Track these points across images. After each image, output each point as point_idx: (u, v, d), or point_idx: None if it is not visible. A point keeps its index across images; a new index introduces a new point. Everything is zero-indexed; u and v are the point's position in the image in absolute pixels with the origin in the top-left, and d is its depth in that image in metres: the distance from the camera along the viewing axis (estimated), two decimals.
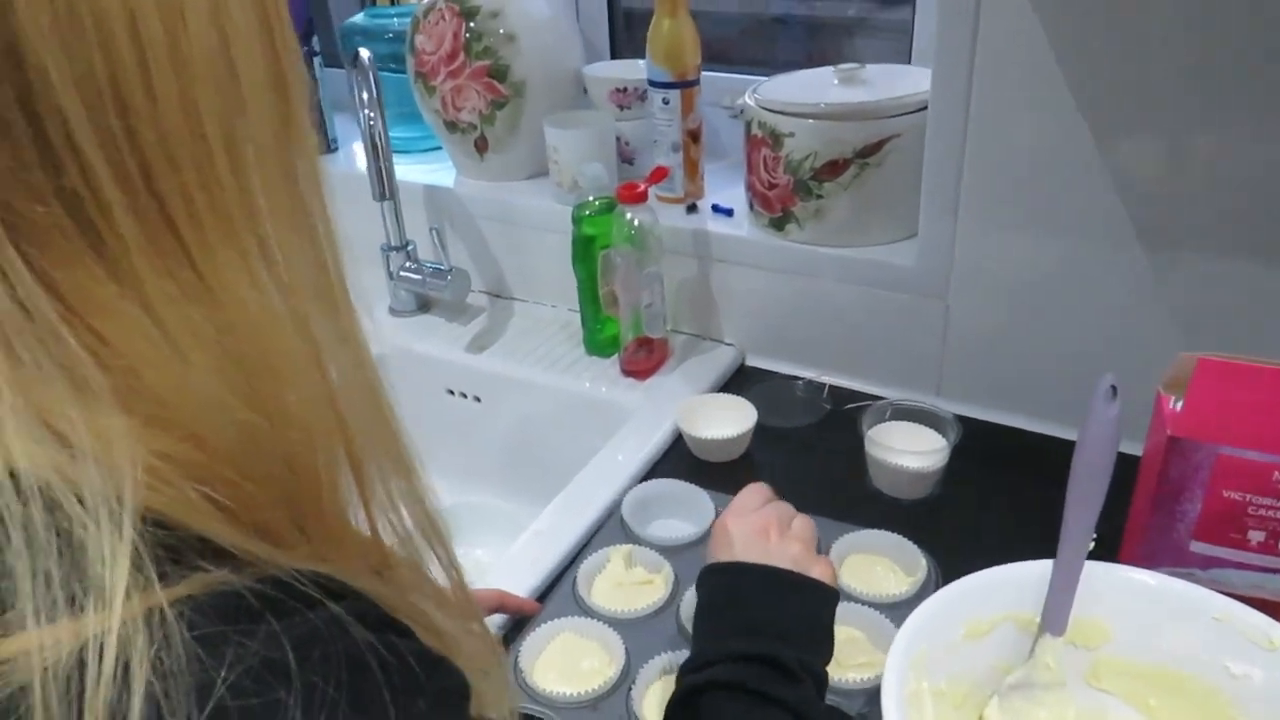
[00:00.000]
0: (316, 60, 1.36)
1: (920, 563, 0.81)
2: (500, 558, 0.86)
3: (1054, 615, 0.61)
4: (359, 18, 1.38)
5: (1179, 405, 0.65)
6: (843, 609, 0.76)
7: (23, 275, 0.30)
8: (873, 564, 0.83)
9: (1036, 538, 0.82)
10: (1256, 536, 0.65)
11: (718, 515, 0.86)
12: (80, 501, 0.29)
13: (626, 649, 0.75)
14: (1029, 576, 0.63)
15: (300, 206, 0.37)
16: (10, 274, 0.30)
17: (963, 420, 0.93)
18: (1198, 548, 0.67)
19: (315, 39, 1.36)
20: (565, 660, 0.75)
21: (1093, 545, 0.62)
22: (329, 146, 1.41)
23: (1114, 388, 0.59)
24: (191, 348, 0.33)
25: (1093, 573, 0.62)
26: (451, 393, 1.21)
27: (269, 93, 0.35)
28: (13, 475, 0.29)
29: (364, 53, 1.09)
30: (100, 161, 0.30)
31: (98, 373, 0.31)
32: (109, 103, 0.30)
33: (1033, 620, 0.62)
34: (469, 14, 1.16)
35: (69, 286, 0.31)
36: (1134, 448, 0.71)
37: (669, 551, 0.85)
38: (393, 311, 1.29)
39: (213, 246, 0.33)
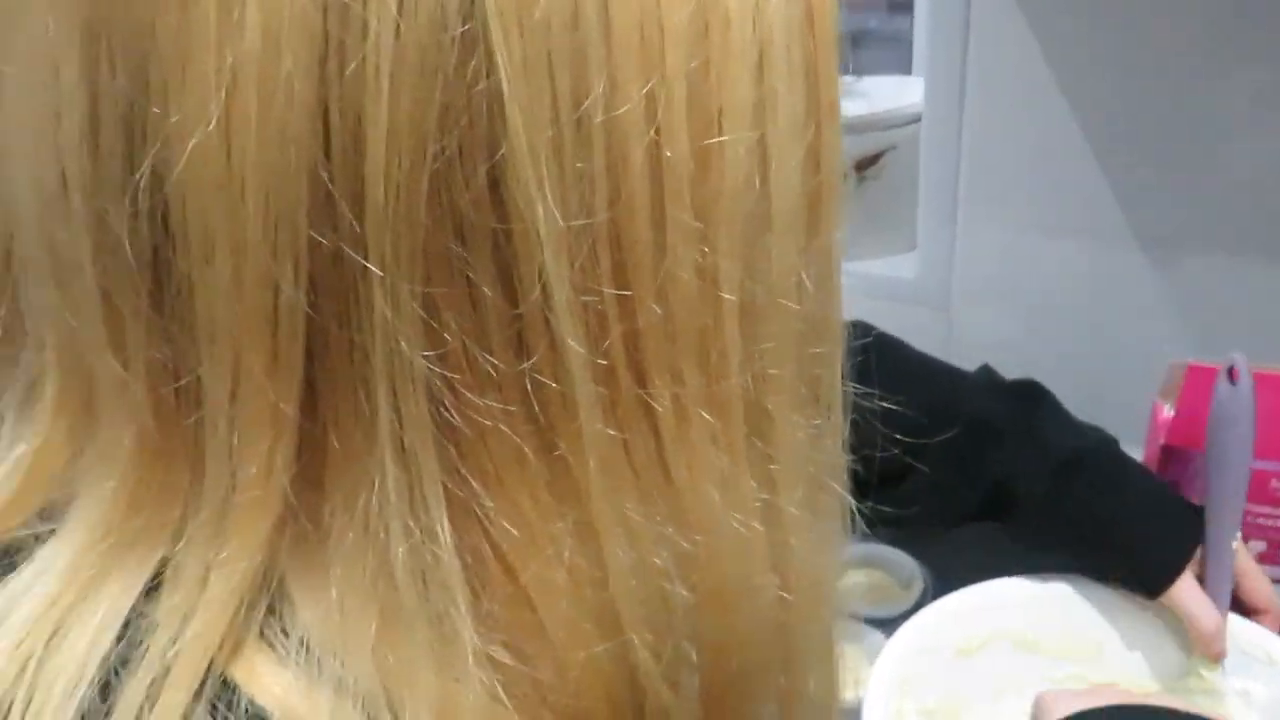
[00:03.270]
0: None
1: (916, 577, 0.79)
2: None
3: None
4: None
5: (1171, 413, 0.64)
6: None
7: (443, 524, 0.23)
8: (870, 578, 0.82)
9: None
10: (1257, 547, 0.63)
11: None
12: None
13: None
14: (1021, 592, 0.62)
15: (815, 382, 0.29)
16: (433, 520, 0.23)
17: None
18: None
19: None
20: None
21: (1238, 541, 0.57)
22: None
23: (1231, 369, 0.54)
24: (625, 604, 0.25)
25: (1084, 592, 0.60)
26: None
27: (799, 221, 0.27)
28: None
29: None
30: (580, 338, 0.23)
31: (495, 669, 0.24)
32: (601, 258, 0.23)
33: (1026, 635, 0.61)
34: None
35: (502, 528, 0.24)
36: (1135, 455, 0.70)
37: None
38: None
39: (695, 453, 0.25)
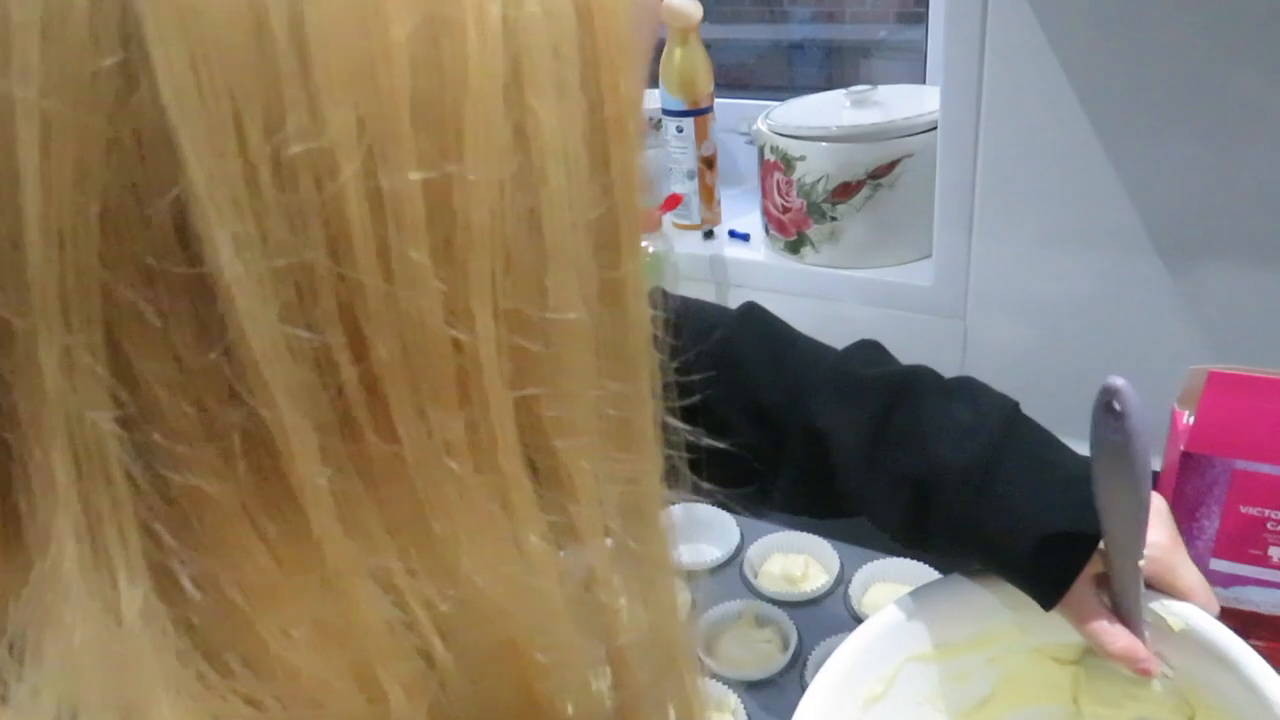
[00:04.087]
0: None
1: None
2: None
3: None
4: None
5: (1191, 420, 0.64)
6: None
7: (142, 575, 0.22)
8: (899, 594, 0.82)
9: None
10: (1278, 554, 0.63)
11: (743, 539, 0.86)
12: None
13: None
14: (893, 619, 0.55)
15: (616, 422, 0.27)
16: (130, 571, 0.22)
17: None
18: (1218, 565, 0.65)
19: None
20: None
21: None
22: None
23: (1110, 403, 0.47)
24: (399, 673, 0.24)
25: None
26: None
27: (586, 251, 0.25)
28: None
29: None
30: (295, 385, 0.21)
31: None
32: (320, 298, 0.21)
33: (931, 652, 0.55)
34: None
35: (231, 580, 0.23)
36: (1157, 464, 0.70)
37: (692, 577, 0.85)
38: None
39: (452, 505, 0.24)
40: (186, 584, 0.22)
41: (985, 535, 0.52)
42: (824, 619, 0.78)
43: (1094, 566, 0.52)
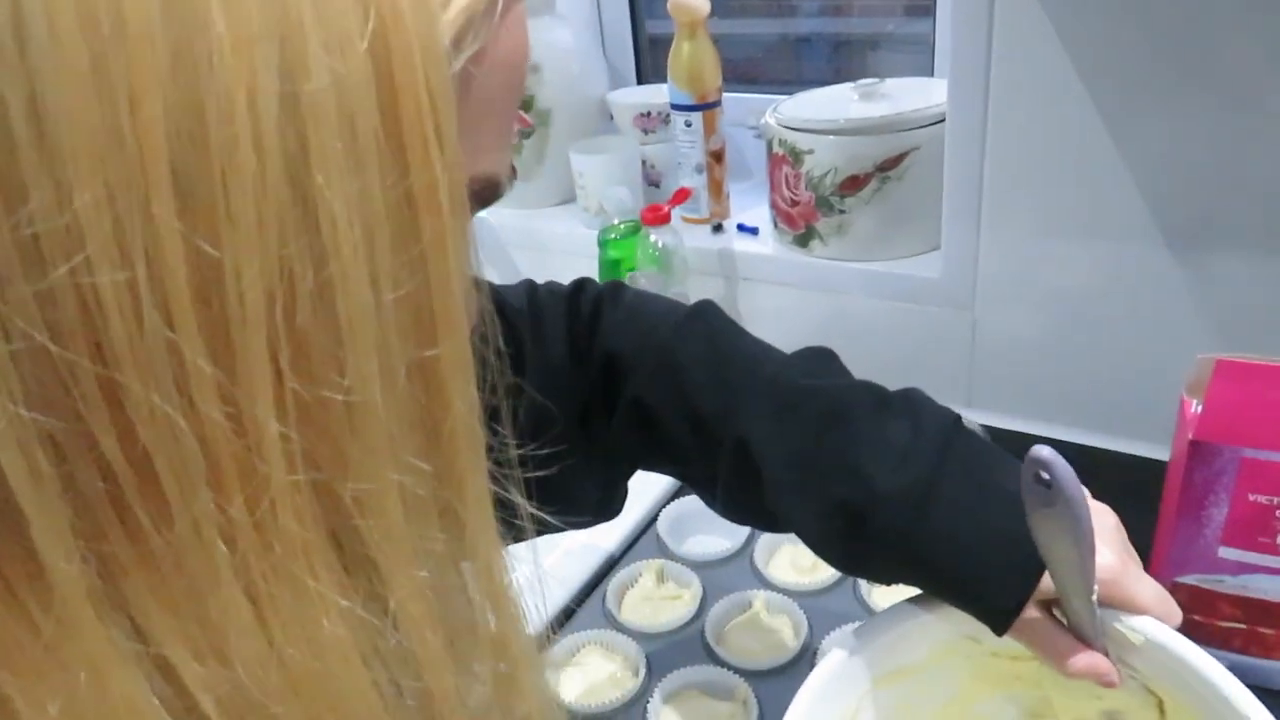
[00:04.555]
0: None
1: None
2: (531, 574, 0.87)
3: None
4: None
5: (1199, 408, 0.64)
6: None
7: None
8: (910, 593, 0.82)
9: None
10: None
11: (753, 530, 0.86)
12: None
13: (649, 662, 0.75)
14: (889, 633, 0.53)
15: (426, 501, 0.27)
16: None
17: (993, 432, 0.92)
18: (1226, 554, 0.65)
19: None
20: (586, 672, 0.76)
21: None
22: None
23: (1039, 473, 0.43)
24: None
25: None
26: None
27: (390, 331, 0.24)
28: None
29: None
30: (23, 472, 0.21)
31: None
32: (64, 382, 0.21)
33: (888, 677, 0.54)
34: None
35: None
36: (1163, 454, 0.70)
37: (702, 567, 0.85)
38: None
39: (248, 567, 0.23)
40: None
41: (925, 563, 0.49)
42: (834, 609, 0.78)
43: (1045, 585, 0.48)
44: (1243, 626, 0.67)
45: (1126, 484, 0.88)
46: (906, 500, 0.48)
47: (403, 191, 0.22)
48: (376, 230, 0.22)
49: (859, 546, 0.50)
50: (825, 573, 0.82)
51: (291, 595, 0.24)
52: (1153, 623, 0.50)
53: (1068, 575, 0.47)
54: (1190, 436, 0.63)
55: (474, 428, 0.27)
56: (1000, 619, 0.49)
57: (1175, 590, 0.68)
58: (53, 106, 0.19)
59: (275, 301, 0.21)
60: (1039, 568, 0.48)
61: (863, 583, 0.81)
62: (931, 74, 1.17)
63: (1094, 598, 0.47)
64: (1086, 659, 0.49)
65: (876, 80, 1.03)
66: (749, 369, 0.54)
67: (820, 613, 0.78)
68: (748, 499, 0.54)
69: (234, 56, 0.20)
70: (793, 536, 0.54)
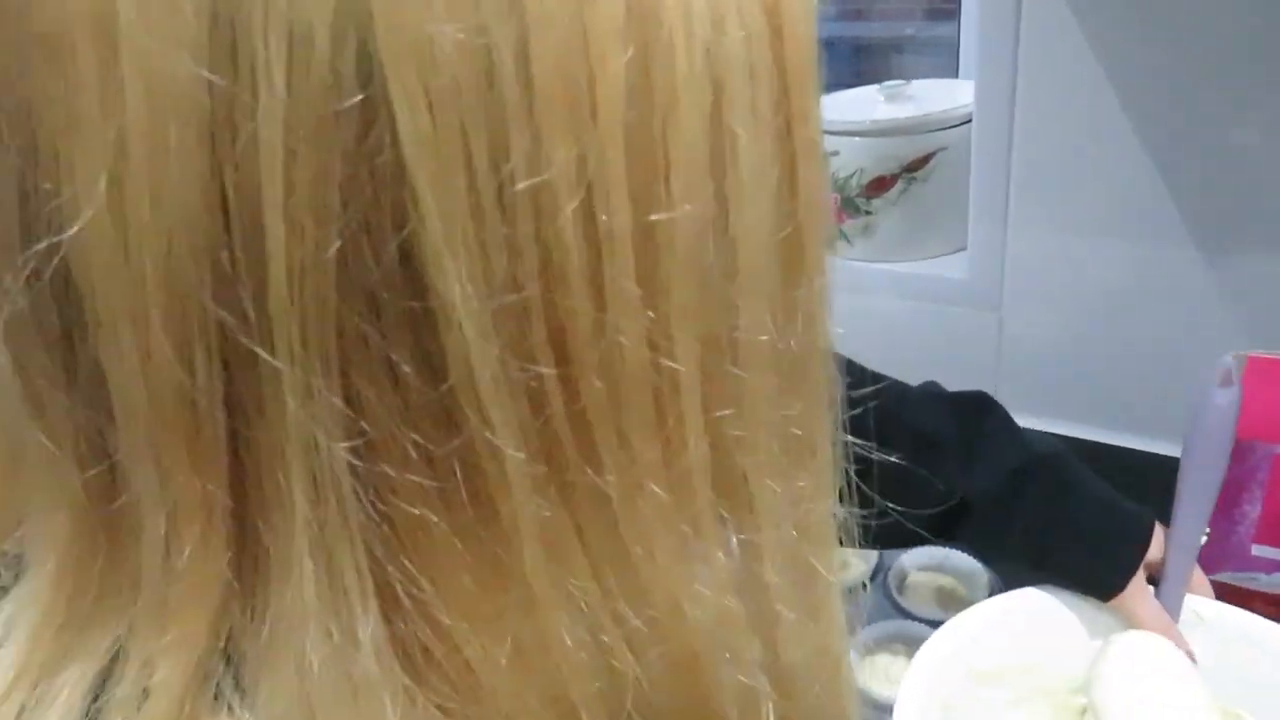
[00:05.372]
0: None
1: (983, 582, 0.80)
2: None
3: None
4: None
5: None
6: (899, 628, 0.76)
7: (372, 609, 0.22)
8: (935, 582, 0.83)
9: None
10: None
11: None
12: None
13: None
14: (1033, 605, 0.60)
15: (795, 440, 0.27)
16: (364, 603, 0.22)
17: None
18: (1260, 551, 0.65)
19: None
20: None
21: (1204, 540, 0.59)
22: None
23: (1230, 371, 0.53)
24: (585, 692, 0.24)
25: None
26: None
27: (775, 272, 0.25)
28: None
29: None
30: (510, 416, 0.21)
31: None
32: (533, 332, 0.21)
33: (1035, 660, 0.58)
34: None
35: (441, 604, 0.23)
36: None
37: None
38: None
39: (650, 528, 0.24)
40: (406, 603, 0.22)
41: (1051, 532, 0.58)
42: (864, 606, 0.79)
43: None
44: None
45: (1157, 483, 0.89)
46: (1045, 469, 0.59)
47: (789, 142, 0.24)
48: (770, 178, 0.23)
49: (1016, 511, 0.58)
50: (854, 571, 0.82)
51: (694, 533, 0.25)
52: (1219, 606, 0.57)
53: (1190, 516, 0.57)
54: None
55: (830, 366, 0.28)
56: (1111, 582, 0.57)
57: None
58: (539, 63, 0.20)
59: (697, 247, 0.22)
60: (1147, 539, 0.57)
61: (891, 581, 0.81)
62: (955, 77, 1.17)
63: (1202, 540, 0.58)
64: (1165, 630, 0.55)
65: (902, 82, 1.03)
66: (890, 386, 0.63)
67: (852, 610, 0.78)
68: (926, 486, 0.58)
69: (676, 9, 0.21)
70: None
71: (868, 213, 1.01)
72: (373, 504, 0.22)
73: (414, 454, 0.21)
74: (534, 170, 0.20)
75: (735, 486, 0.25)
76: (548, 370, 0.21)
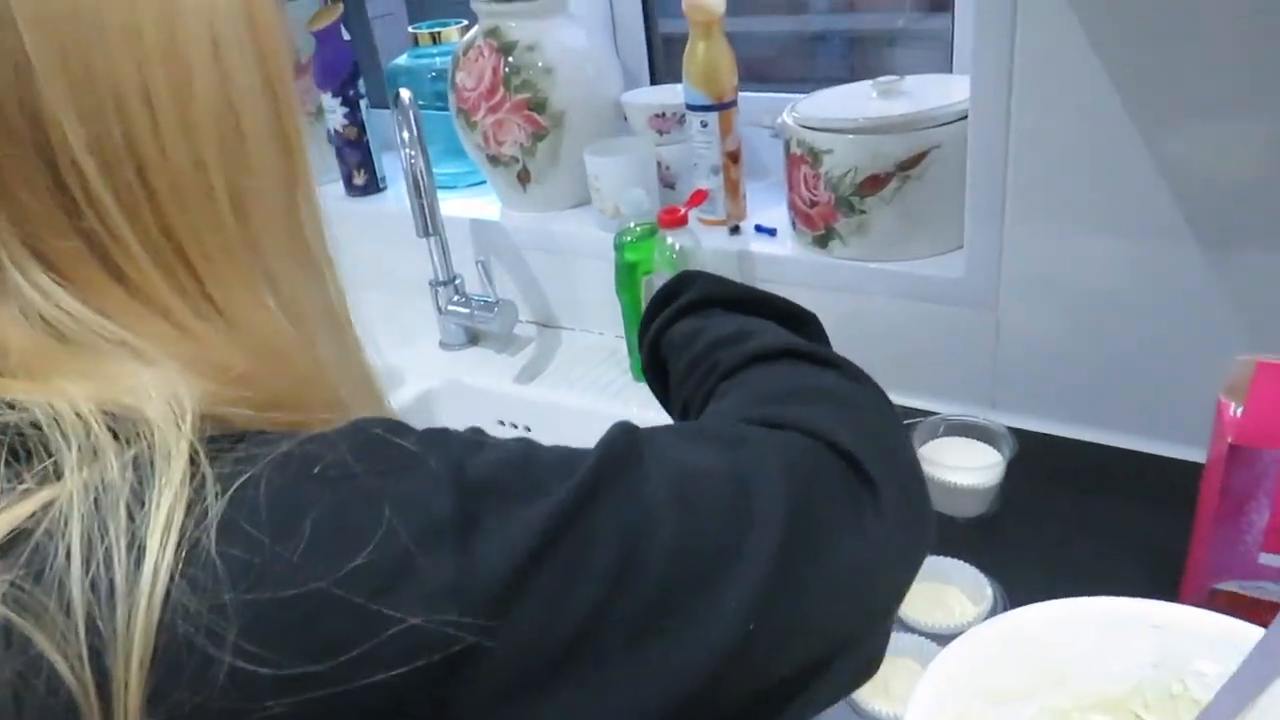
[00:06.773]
0: (363, 103, 1.39)
1: (985, 591, 0.78)
2: None
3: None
4: (403, 59, 1.41)
5: (1239, 411, 0.62)
6: (901, 639, 0.74)
7: (56, 293, 0.35)
8: (937, 592, 0.81)
9: (1094, 553, 0.80)
10: None
11: None
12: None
13: None
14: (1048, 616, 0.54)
15: (302, 245, 0.43)
16: (45, 292, 0.35)
17: (1018, 433, 0.91)
18: (1268, 560, 0.64)
19: (360, 82, 1.38)
20: None
21: None
22: (378, 186, 1.44)
23: None
24: (212, 349, 0.38)
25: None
26: (502, 424, 1.22)
27: (272, 147, 0.41)
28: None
29: (404, 93, 1.11)
30: (115, 207, 0.36)
31: (145, 343, 0.36)
32: (124, 159, 0.36)
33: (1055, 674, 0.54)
34: (507, 49, 1.18)
35: (97, 306, 0.36)
36: (1199, 456, 0.68)
37: None
38: (443, 345, 1.30)
39: (224, 278, 0.39)
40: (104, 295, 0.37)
41: None
42: None
43: None
44: None
45: (1157, 486, 0.87)
46: None
47: (265, 73, 0.40)
48: (258, 93, 0.40)
49: None
50: None
51: (246, 283, 0.41)
52: None
53: None
54: (1229, 440, 0.62)
55: (302, 152, 0.44)
56: None
57: (1214, 597, 0.66)
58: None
59: (217, 120, 0.39)
60: None
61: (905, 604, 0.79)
62: (949, 70, 1.15)
63: None
64: None
65: (896, 78, 1.01)
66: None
67: None
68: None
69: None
70: None
71: (862, 211, 1.00)
72: (43, 248, 0.35)
73: (62, 224, 0.35)
74: (109, 58, 0.35)
75: (271, 266, 0.41)
76: (134, 178, 0.36)
